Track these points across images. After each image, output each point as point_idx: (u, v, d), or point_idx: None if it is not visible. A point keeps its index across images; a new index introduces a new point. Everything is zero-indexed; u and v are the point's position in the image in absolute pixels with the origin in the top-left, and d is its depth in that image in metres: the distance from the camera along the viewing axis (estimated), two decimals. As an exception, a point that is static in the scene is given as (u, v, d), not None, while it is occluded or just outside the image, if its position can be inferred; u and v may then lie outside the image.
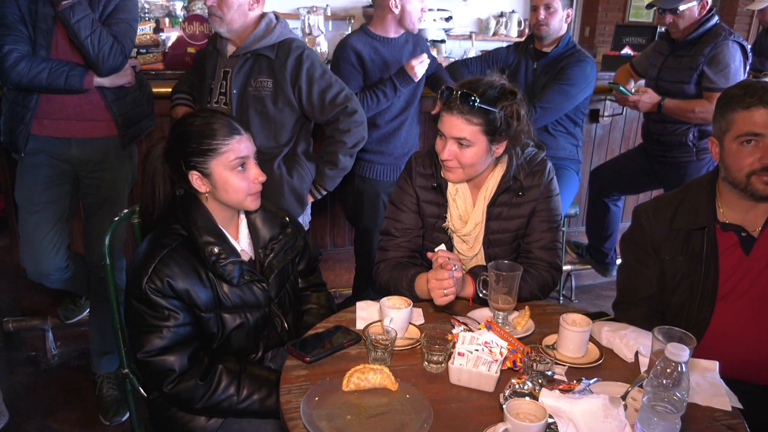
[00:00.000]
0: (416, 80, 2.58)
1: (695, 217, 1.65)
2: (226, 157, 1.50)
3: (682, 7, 2.75)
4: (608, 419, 1.07)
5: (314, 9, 3.41)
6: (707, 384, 1.37)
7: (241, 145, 1.53)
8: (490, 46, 3.56)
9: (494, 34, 5.76)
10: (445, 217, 1.81)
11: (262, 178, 1.57)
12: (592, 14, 7.24)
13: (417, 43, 2.73)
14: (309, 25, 3.33)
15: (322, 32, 3.34)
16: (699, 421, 1.24)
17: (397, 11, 2.55)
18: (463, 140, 1.64)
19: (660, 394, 1.03)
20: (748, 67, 2.83)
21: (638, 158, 3.14)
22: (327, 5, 5.05)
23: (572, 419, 1.07)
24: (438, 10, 5.24)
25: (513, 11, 5.85)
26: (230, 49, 2.24)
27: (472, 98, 1.59)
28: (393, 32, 2.62)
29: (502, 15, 5.76)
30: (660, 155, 2.99)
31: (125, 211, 1.72)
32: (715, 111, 1.63)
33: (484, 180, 1.78)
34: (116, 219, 1.68)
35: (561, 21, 2.81)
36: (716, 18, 2.81)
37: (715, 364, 1.43)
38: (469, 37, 5.62)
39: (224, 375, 1.46)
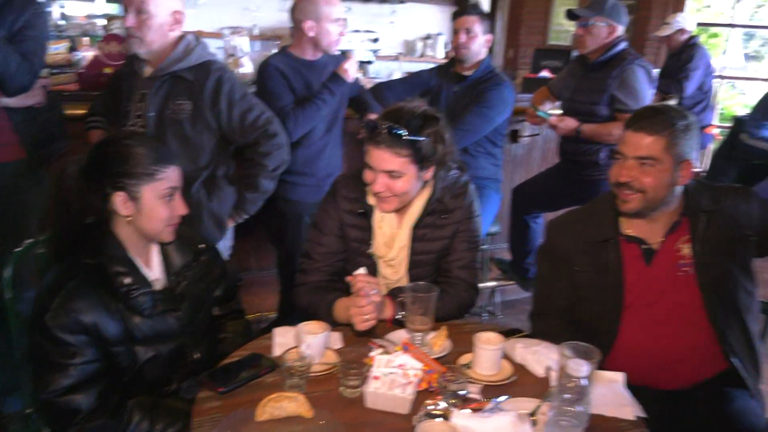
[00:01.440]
0: (349, 80, 2.60)
1: (601, 230, 1.75)
2: (160, 184, 1.47)
3: (592, 22, 2.90)
4: (516, 436, 1.10)
5: (238, 30, 3.40)
6: (613, 395, 1.42)
7: (175, 175, 1.51)
8: (418, 67, 3.66)
9: (421, 55, 5.88)
10: (370, 243, 1.82)
11: (184, 211, 1.54)
12: (514, 37, 7.50)
13: (338, 65, 2.74)
14: (233, 45, 3.30)
15: (246, 53, 3.32)
16: (604, 431, 1.30)
17: (312, 34, 2.55)
18: (393, 172, 1.67)
19: (563, 408, 1.07)
20: (653, 89, 3.02)
21: (556, 177, 3.27)
22: (255, 25, 5.03)
23: (481, 438, 1.10)
24: (365, 31, 5.32)
25: (439, 33, 6.00)
26: (147, 70, 2.19)
27: (400, 132, 1.62)
28: (311, 55, 2.62)
29: (428, 37, 5.89)
30: (575, 174, 3.12)
31: (29, 241, 1.64)
32: None
33: (410, 203, 1.80)
34: (18, 250, 1.60)
35: (481, 45, 2.90)
36: (624, 43, 2.97)
37: (620, 376, 1.49)
38: (397, 58, 5.72)
39: (136, 411, 1.41)
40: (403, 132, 1.61)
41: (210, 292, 1.71)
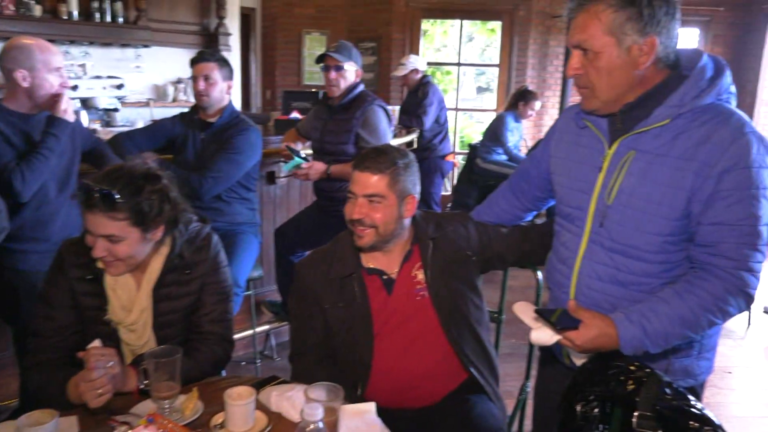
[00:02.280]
0: (70, 119, 2.35)
1: (344, 266, 1.83)
2: None
3: (346, 66, 3.05)
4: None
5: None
6: (365, 426, 1.48)
7: None
8: (171, 112, 3.52)
9: (174, 100, 5.69)
10: (105, 309, 1.68)
11: None
12: (270, 78, 7.69)
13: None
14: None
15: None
16: (357, 465, 1.34)
17: (26, 85, 2.29)
18: (112, 237, 1.56)
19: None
20: (392, 126, 3.28)
21: (314, 214, 3.36)
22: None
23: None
24: (108, 77, 5.00)
25: (191, 77, 5.87)
26: None
27: (111, 195, 1.52)
28: (27, 108, 2.35)
29: (179, 81, 5.73)
30: (333, 209, 3.24)
31: None
32: None
33: (147, 263, 1.70)
34: None
35: (222, 92, 2.89)
36: (362, 85, 3.19)
37: (371, 405, 1.56)
38: (147, 104, 5.47)
39: None
40: (116, 195, 1.53)
41: None
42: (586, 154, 1.57)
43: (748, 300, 1.38)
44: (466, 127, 9.16)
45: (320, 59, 3.11)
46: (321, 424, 1.11)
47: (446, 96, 7.40)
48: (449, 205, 6.22)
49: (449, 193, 6.65)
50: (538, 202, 1.91)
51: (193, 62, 2.92)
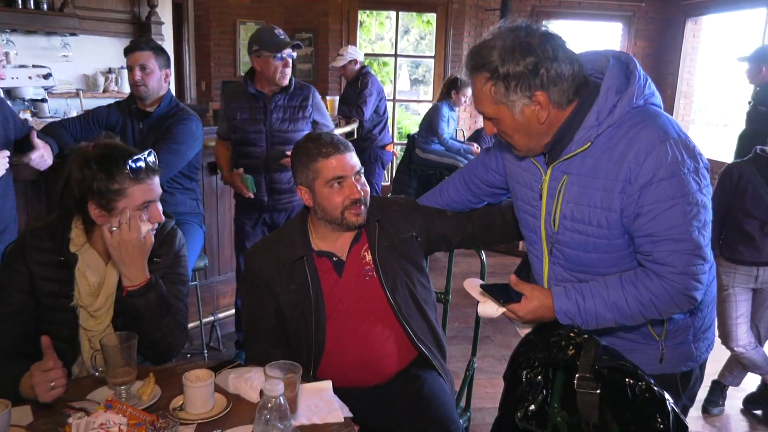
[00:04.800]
0: None
1: (294, 249, 1.87)
2: None
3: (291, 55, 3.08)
4: (229, 465, 1.12)
5: None
6: (324, 403, 1.53)
7: None
8: (103, 102, 3.41)
9: (104, 90, 5.51)
10: (71, 295, 1.66)
11: None
12: (205, 69, 7.54)
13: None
14: None
15: None
16: (318, 437, 1.39)
17: None
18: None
19: (267, 427, 1.12)
20: None
21: (265, 221, 3.33)
22: None
23: (195, 477, 1.09)
24: (34, 66, 4.79)
25: (122, 67, 5.70)
26: None
27: None
28: None
29: (110, 71, 5.55)
30: (286, 201, 3.23)
31: None
32: (297, 164, 1.87)
33: None
34: None
35: (160, 81, 2.84)
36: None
37: (327, 383, 1.61)
38: (77, 94, 5.27)
39: None
40: None
41: None
42: (527, 178, 1.62)
43: (690, 301, 1.40)
44: (402, 119, 9.28)
45: (282, 47, 2.99)
46: (282, 399, 1.15)
47: (384, 87, 7.46)
48: (389, 195, 6.29)
49: (388, 183, 6.74)
50: (494, 197, 1.97)
51: (127, 51, 2.84)
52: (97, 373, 1.51)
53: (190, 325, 3.37)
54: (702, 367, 1.62)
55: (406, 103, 9.20)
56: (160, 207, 1.69)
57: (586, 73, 1.45)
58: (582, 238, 1.48)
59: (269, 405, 1.14)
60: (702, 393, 3.08)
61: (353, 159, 1.85)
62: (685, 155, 1.35)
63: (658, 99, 1.46)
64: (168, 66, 2.90)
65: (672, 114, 7.02)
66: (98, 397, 1.46)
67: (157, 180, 1.68)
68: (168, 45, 5.95)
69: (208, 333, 3.61)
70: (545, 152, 1.51)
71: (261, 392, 1.50)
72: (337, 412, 1.49)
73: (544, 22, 7.50)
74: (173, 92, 3.04)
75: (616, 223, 1.42)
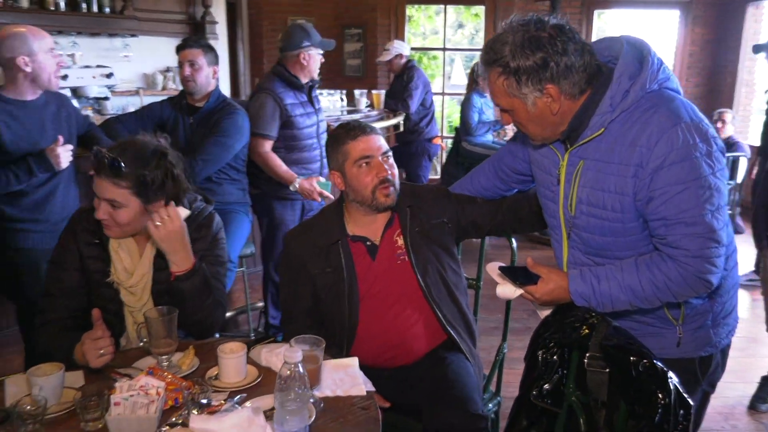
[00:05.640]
0: (58, 169, 2.46)
1: (330, 234, 1.96)
2: None
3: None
4: (252, 427, 1.22)
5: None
6: (348, 378, 1.62)
7: None
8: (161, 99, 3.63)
9: (163, 88, 5.76)
10: (110, 272, 1.81)
11: None
12: (258, 66, 7.75)
13: (61, 104, 2.62)
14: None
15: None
16: (340, 409, 1.48)
17: (28, 69, 2.41)
18: (114, 202, 1.70)
19: (287, 393, 1.21)
20: None
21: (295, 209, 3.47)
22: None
23: (220, 435, 1.19)
24: (97, 66, 5.07)
25: (178, 64, 5.94)
26: None
27: (118, 163, 1.66)
28: (30, 94, 2.47)
29: (168, 70, 5.80)
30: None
31: None
32: (329, 150, 1.98)
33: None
34: None
35: (208, 77, 3.00)
36: None
37: (354, 360, 1.69)
38: (137, 92, 5.54)
39: None
40: (122, 164, 1.65)
41: None
42: (547, 164, 1.66)
43: (705, 284, 1.41)
44: (454, 112, 9.27)
45: (327, 45, 3.27)
46: (301, 368, 1.24)
47: (433, 81, 7.49)
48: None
49: (438, 177, 6.78)
50: (522, 184, 2.01)
51: (179, 49, 3.02)
52: (141, 344, 1.65)
53: (237, 311, 3.59)
54: (724, 353, 1.61)
55: (458, 96, 9.21)
56: (107, 208, 1.72)
57: (600, 62, 1.47)
58: (597, 222, 1.51)
59: (288, 371, 1.23)
60: (750, 389, 3.03)
61: (380, 141, 1.94)
62: (698, 139, 1.36)
63: (674, 83, 1.47)
64: (216, 63, 3.05)
65: (732, 103, 6.80)
66: (142, 365, 1.60)
67: (113, 183, 1.69)
68: (222, 44, 6.18)
69: (256, 318, 3.76)
70: (562, 139, 1.55)
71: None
72: (361, 386, 1.57)
73: (596, 12, 7.38)
74: (228, 89, 3.20)
75: (629, 207, 1.44)
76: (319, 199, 3.19)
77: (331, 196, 3.14)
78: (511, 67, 1.41)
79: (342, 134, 1.94)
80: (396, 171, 1.94)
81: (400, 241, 1.97)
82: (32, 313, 2.55)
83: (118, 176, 1.67)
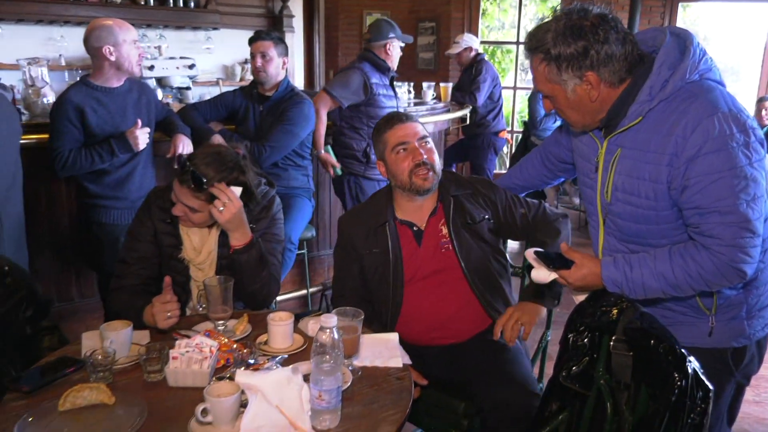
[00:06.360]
0: (137, 150, 2.67)
1: (379, 216, 2.06)
2: None
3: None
4: (290, 384, 1.34)
5: (36, 60, 3.35)
6: (387, 351, 1.71)
7: None
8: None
9: (241, 79, 6.03)
10: (181, 248, 1.98)
11: None
12: (333, 59, 7.94)
13: (142, 91, 2.84)
14: (31, 76, 3.26)
15: (47, 83, 3.29)
16: (376, 378, 1.58)
17: (113, 59, 2.63)
18: (192, 208, 1.87)
19: (322, 356, 1.32)
20: None
21: None
22: (60, 55, 4.90)
23: (261, 389, 1.31)
24: (181, 58, 5.37)
25: (250, 55, 6.19)
26: None
27: (200, 182, 1.82)
28: (114, 81, 2.70)
29: (246, 61, 6.05)
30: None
31: None
32: (374, 141, 2.11)
33: None
34: None
35: (278, 68, 3.16)
36: None
37: (395, 335, 1.79)
38: (217, 83, 5.82)
39: None
40: (205, 182, 1.82)
41: (17, 313, 1.77)
42: (587, 152, 1.70)
43: (739, 274, 1.41)
44: (527, 107, 9.16)
45: (406, 39, 3.59)
46: (336, 333, 1.35)
47: (506, 75, 7.44)
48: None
49: (504, 171, 6.76)
50: (566, 173, 2.06)
51: (251, 41, 3.21)
52: (201, 309, 1.81)
53: (298, 293, 3.75)
54: (760, 346, 1.60)
55: (527, 90, 9.09)
56: (185, 209, 1.90)
57: (643, 51, 1.49)
58: (632, 209, 1.53)
59: (324, 335, 1.34)
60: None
61: (417, 127, 2.02)
62: (735, 129, 1.36)
63: (716, 74, 1.47)
64: (286, 55, 3.21)
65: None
66: (201, 329, 1.75)
67: (193, 195, 1.86)
68: (299, 36, 6.39)
69: (317, 301, 3.92)
70: (601, 126, 1.58)
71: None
72: (398, 359, 1.66)
73: (681, 5, 7.10)
74: (303, 80, 3.38)
75: (663, 195, 1.46)
76: (332, 172, 3.47)
77: (337, 165, 3.43)
78: (552, 54, 1.46)
79: (382, 124, 2.06)
80: (435, 156, 2.01)
81: (445, 230, 2.03)
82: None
83: (198, 191, 1.83)
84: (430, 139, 2.03)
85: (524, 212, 2.08)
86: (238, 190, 1.87)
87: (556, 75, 1.48)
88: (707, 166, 1.37)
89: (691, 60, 1.43)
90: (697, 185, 1.39)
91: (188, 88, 5.22)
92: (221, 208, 1.84)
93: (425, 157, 1.97)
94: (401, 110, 3.62)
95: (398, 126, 2.01)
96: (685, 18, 7.71)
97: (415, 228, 2.05)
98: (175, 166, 2.76)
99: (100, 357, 1.47)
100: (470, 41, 5.42)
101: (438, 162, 2.01)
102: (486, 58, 5.54)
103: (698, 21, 8.75)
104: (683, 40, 1.48)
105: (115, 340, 1.56)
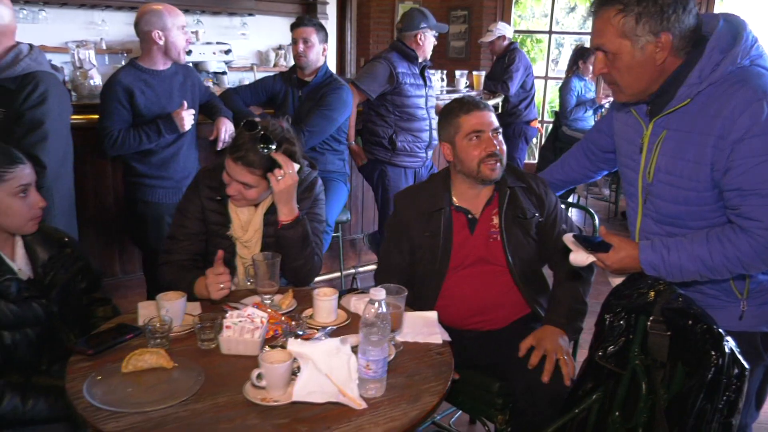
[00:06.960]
0: (183, 131, 2.76)
1: (435, 200, 2.07)
2: (10, 183, 1.63)
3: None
4: (339, 354, 1.41)
5: (84, 43, 3.46)
6: (427, 328, 1.77)
7: (24, 173, 1.67)
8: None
9: (275, 65, 6.10)
10: (229, 226, 2.06)
11: (43, 204, 1.71)
12: (364, 47, 7.99)
13: (187, 74, 2.93)
14: (80, 59, 3.37)
15: (95, 66, 3.40)
16: (418, 352, 1.64)
17: (161, 43, 2.72)
18: (246, 184, 1.94)
19: (371, 327, 1.39)
20: None
21: None
22: (101, 39, 5.02)
23: (312, 358, 1.39)
24: (217, 43, 5.46)
25: (290, 44, 6.26)
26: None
27: (272, 143, 1.89)
28: (161, 64, 2.79)
29: (280, 48, 6.13)
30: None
31: None
32: (441, 121, 2.10)
33: None
34: None
35: (318, 54, 3.23)
36: None
37: (434, 314, 1.84)
38: (251, 68, 5.91)
39: (7, 389, 1.56)
40: (275, 145, 1.89)
41: (76, 283, 1.87)
42: (630, 133, 1.71)
43: None
44: (557, 97, 9.09)
45: (440, 28, 3.62)
46: (384, 306, 1.41)
47: (536, 65, 7.39)
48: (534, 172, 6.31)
49: (535, 161, 6.75)
50: (608, 163, 2.07)
51: (293, 27, 3.27)
52: (249, 284, 1.88)
53: (331, 276, 3.83)
54: None
55: (559, 80, 9.02)
56: (239, 188, 1.96)
57: (704, 34, 1.51)
58: (673, 190, 1.56)
59: (372, 309, 1.40)
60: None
61: (492, 117, 2.02)
62: None
63: (766, 61, 1.48)
64: (326, 41, 3.28)
65: None
66: (249, 301, 1.83)
67: (248, 170, 1.92)
68: (332, 24, 6.43)
69: (348, 284, 4.00)
70: (648, 102, 1.60)
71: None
72: (438, 336, 1.72)
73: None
74: (335, 67, 3.45)
75: (706, 177, 1.48)
76: (360, 162, 3.56)
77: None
78: (633, 7, 1.45)
79: (456, 108, 2.03)
80: (504, 148, 2.01)
81: (496, 220, 2.05)
82: (154, 259, 2.92)
83: (253, 165, 1.90)
84: (501, 131, 2.04)
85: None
86: (296, 167, 1.94)
87: (632, 29, 1.47)
88: (753, 148, 1.39)
89: (743, 45, 1.45)
90: (741, 167, 1.41)
91: (224, 73, 5.31)
92: (280, 177, 1.91)
93: (498, 148, 1.98)
94: (432, 98, 3.67)
95: (475, 113, 1.99)
96: (722, 9, 7.58)
97: (470, 216, 2.06)
98: (218, 148, 2.85)
99: (158, 324, 1.56)
100: (504, 30, 5.42)
101: (506, 155, 2.02)
102: (518, 47, 5.54)
103: (737, 11, 8.57)
104: (736, 26, 1.49)
105: (171, 309, 1.64)
